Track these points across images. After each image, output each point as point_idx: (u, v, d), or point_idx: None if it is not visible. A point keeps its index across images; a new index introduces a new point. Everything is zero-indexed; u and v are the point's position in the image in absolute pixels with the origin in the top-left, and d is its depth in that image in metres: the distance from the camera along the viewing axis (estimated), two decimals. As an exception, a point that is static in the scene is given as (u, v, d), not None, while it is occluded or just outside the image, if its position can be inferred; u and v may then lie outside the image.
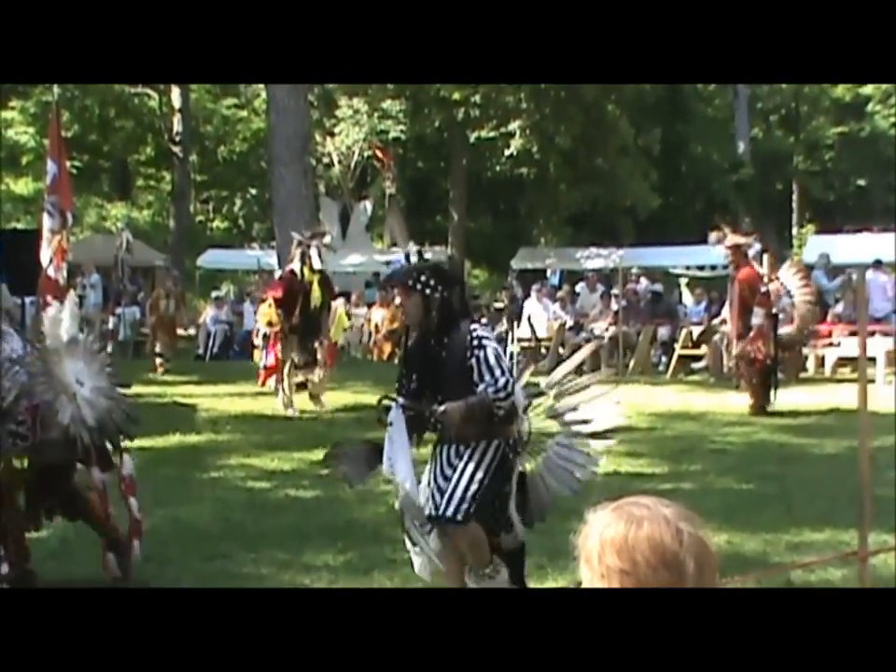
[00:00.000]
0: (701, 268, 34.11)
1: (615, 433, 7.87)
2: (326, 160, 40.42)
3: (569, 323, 26.54)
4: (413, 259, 8.17)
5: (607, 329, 25.35)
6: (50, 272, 15.03)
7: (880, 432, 13.32)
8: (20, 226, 37.76)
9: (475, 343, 7.12)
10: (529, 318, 27.80)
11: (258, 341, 18.11)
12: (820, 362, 23.64)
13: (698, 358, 24.56)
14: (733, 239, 17.48)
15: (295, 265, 17.30)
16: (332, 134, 38.81)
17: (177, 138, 42.69)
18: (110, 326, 17.43)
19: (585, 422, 7.73)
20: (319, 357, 17.65)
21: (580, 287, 30.30)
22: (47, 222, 15.53)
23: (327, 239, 18.38)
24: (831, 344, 23.28)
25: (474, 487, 7.18)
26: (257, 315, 18.80)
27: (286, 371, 17.39)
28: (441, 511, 7.24)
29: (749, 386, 17.24)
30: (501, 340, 6.42)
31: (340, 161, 39.52)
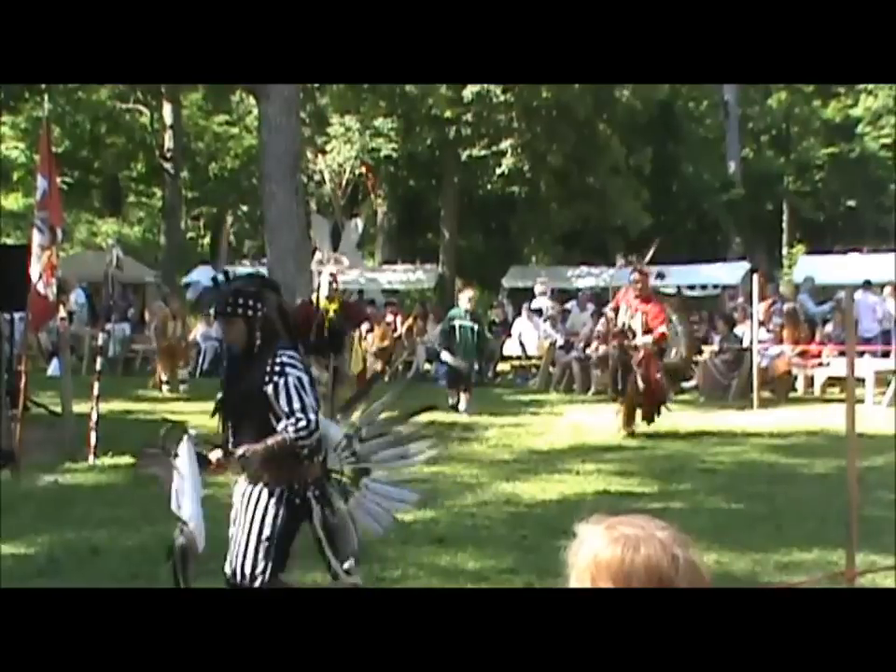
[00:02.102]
0: (692, 287, 34.19)
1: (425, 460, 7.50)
2: (317, 177, 40.43)
3: (560, 342, 26.54)
4: (221, 280, 7.54)
5: (597, 349, 25.30)
6: (40, 287, 15.08)
7: (869, 453, 13.35)
8: (9, 241, 37.64)
9: (276, 368, 6.61)
10: (520, 336, 27.84)
11: None
12: (810, 382, 23.67)
13: (688, 378, 24.57)
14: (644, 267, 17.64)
15: (314, 294, 16.97)
16: (324, 152, 38.83)
17: (169, 154, 42.61)
18: (99, 342, 17.34)
19: (399, 458, 7.31)
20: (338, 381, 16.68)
21: (570, 305, 30.34)
22: (36, 238, 15.59)
23: (344, 260, 17.77)
24: (820, 364, 23.31)
25: (265, 544, 6.76)
26: None
27: None
28: (237, 570, 6.90)
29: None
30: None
31: (331, 179, 39.52)
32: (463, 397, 20.38)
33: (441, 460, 15.07)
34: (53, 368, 24.93)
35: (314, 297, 16.71)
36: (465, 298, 21.31)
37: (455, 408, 20.16)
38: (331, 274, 16.91)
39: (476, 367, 21.01)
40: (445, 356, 20.94)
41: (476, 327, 20.59)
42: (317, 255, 17.35)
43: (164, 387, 24.78)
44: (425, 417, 7.53)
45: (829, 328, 24.50)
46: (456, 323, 20.56)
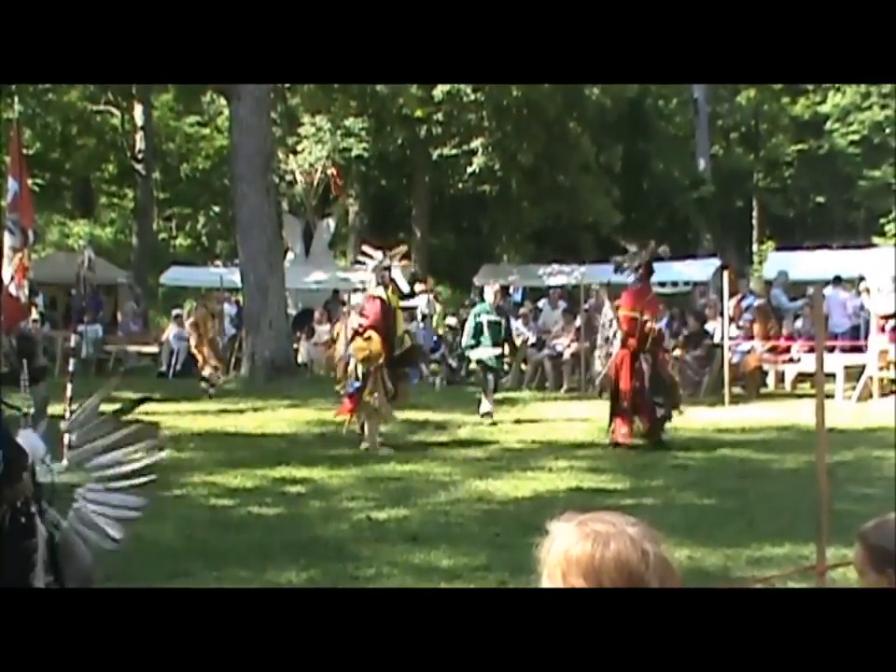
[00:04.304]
0: (662, 284, 34.21)
1: (150, 472, 6.61)
2: (289, 177, 40.42)
3: (532, 339, 26.58)
4: None
5: (569, 346, 25.40)
6: (12, 289, 15.01)
7: (839, 447, 13.43)
8: (-19, 244, 37.44)
9: None
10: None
11: (350, 373, 16.12)
12: (780, 378, 23.77)
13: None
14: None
15: (378, 290, 16.15)
16: (295, 152, 38.80)
17: (140, 156, 42.55)
18: (72, 343, 17.21)
19: (115, 464, 6.45)
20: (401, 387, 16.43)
21: (542, 303, 30.39)
22: (8, 240, 15.55)
23: (403, 249, 17.01)
24: (791, 360, 23.39)
25: None
26: (350, 347, 16.34)
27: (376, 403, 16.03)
28: None
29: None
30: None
31: (303, 179, 39.51)
32: (487, 400, 19.16)
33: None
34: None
35: (381, 292, 16.09)
36: (490, 292, 19.94)
37: (489, 415, 18.90)
38: (401, 269, 16.37)
39: (500, 365, 19.89)
40: (477, 353, 19.42)
41: (504, 321, 19.48)
42: (374, 252, 16.53)
43: (204, 385, 23.88)
44: (144, 417, 6.87)
45: (799, 323, 24.59)
46: (483, 319, 19.31)
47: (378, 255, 16.26)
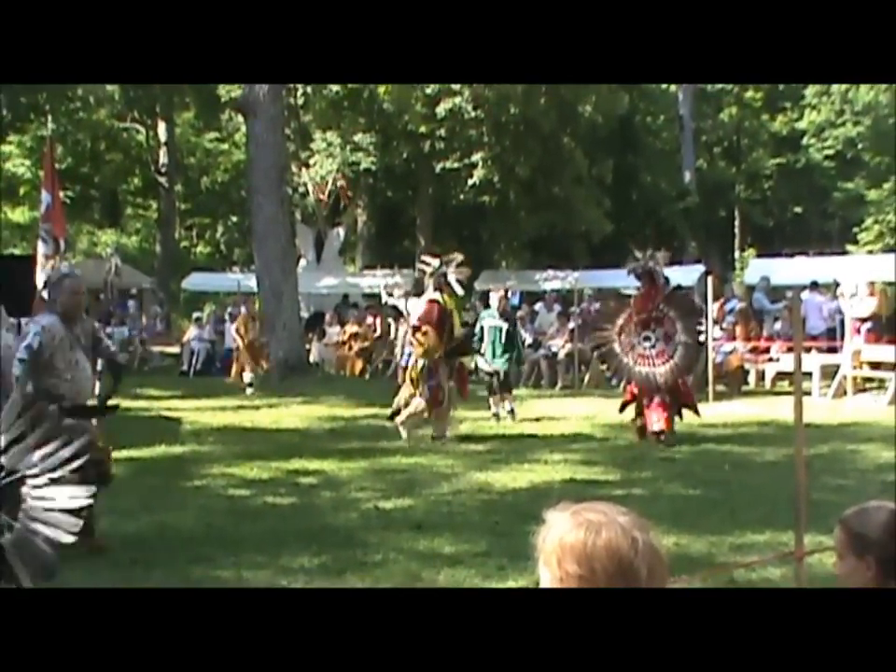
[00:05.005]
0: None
1: (83, 454, 6.25)
2: (302, 189, 40.36)
3: (528, 340, 26.57)
4: None
5: (563, 346, 25.41)
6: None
7: (815, 441, 13.41)
8: (17, 252, 37.54)
9: None
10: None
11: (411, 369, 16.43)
12: (761, 376, 23.78)
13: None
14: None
15: (434, 294, 16.18)
16: (307, 166, 38.74)
17: (163, 169, 42.68)
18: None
19: (48, 457, 6.11)
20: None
21: (538, 306, 30.38)
22: (41, 248, 15.67)
23: (459, 257, 16.77)
24: (770, 360, 23.40)
25: None
26: (412, 343, 16.53)
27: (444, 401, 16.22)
28: None
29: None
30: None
31: (315, 191, 39.47)
32: (505, 400, 18.77)
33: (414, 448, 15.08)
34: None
35: (437, 296, 16.10)
36: (495, 298, 19.69)
37: (496, 416, 18.56)
38: (456, 274, 16.40)
39: (508, 366, 19.15)
40: (480, 362, 19.19)
41: (505, 326, 18.84)
42: (432, 260, 16.51)
43: (248, 389, 23.58)
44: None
45: (778, 325, 24.59)
46: (485, 324, 19.00)
47: (435, 262, 16.38)
